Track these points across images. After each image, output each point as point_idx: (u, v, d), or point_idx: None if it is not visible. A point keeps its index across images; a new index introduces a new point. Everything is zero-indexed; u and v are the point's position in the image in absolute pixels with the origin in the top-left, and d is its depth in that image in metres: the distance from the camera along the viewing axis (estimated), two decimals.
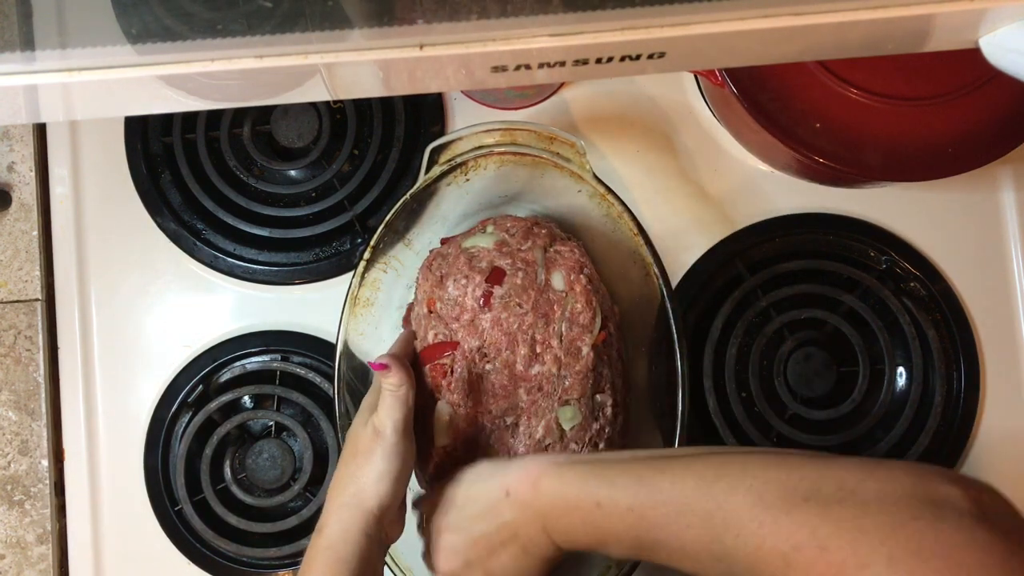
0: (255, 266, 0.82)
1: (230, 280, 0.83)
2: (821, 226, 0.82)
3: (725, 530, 0.48)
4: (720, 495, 0.49)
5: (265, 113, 0.82)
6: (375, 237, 0.71)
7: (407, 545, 0.67)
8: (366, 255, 0.71)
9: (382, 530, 0.59)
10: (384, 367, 0.61)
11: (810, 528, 0.45)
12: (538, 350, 0.66)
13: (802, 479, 0.47)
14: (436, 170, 0.71)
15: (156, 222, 0.83)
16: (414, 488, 0.67)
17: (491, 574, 0.59)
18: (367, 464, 0.59)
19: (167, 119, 0.83)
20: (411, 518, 0.65)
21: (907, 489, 0.45)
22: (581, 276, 0.68)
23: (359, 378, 0.72)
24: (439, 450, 0.67)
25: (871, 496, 0.45)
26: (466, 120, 0.82)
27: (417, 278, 0.73)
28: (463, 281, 0.67)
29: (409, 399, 0.61)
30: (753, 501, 0.47)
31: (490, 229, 0.71)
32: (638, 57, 0.42)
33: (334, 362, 0.70)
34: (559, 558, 0.59)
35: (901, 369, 0.80)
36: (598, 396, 0.68)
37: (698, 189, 0.83)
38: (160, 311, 0.83)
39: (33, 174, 0.83)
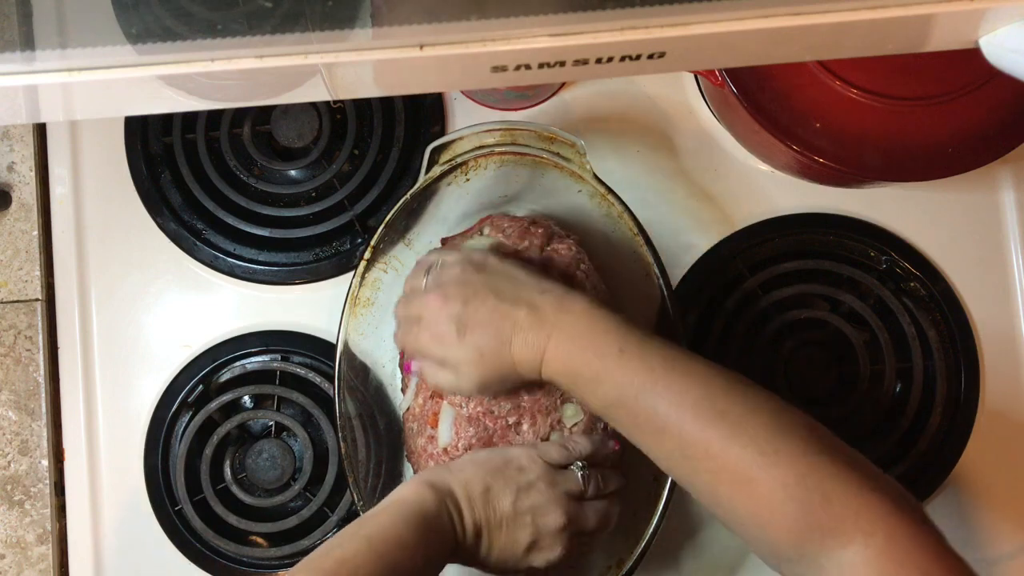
0: (255, 266, 0.82)
1: (230, 280, 0.83)
2: (821, 226, 0.82)
3: (733, 435, 0.51)
4: (745, 409, 0.52)
5: (265, 113, 0.82)
6: (375, 237, 0.71)
7: None
8: (366, 255, 0.71)
9: None
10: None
11: (820, 477, 0.49)
12: None
13: (823, 436, 0.51)
14: (436, 170, 0.71)
15: (156, 222, 0.83)
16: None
17: (466, 337, 0.59)
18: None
19: (167, 119, 0.83)
20: None
21: (903, 491, 0.50)
22: (577, 273, 0.68)
23: (359, 378, 0.72)
24: (442, 452, 0.67)
25: (877, 477, 0.49)
26: (466, 120, 0.82)
27: None
28: None
29: None
30: (777, 429, 0.51)
31: (486, 231, 0.71)
32: (638, 57, 0.42)
33: (334, 362, 0.70)
34: (517, 383, 0.61)
35: (901, 369, 0.80)
36: None
37: (698, 189, 0.83)
38: (160, 311, 0.83)
39: (33, 174, 0.83)
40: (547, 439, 0.66)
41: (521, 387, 0.65)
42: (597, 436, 0.65)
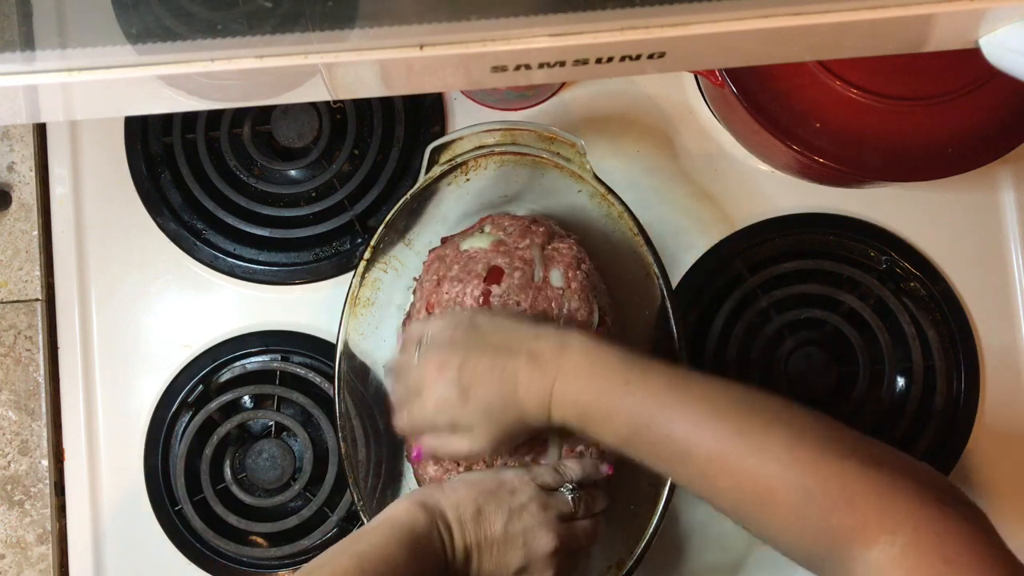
0: (255, 266, 0.82)
1: (230, 280, 0.83)
2: (821, 226, 0.82)
3: (749, 450, 0.51)
4: (758, 420, 0.52)
5: (265, 113, 0.82)
6: (375, 237, 0.71)
7: None
8: (366, 255, 0.71)
9: None
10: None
11: (843, 480, 0.48)
12: None
13: (842, 437, 0.51)
14: (436, 170, 0.71)
15: (156, 222, 0.83)
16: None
17: (470, 397, 0.58)
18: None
19: (167, 119, 0.83)
20: None
21: (931, 476, 0.49)
22: (578, 272, 0.68)
23: (359, 378, 0.72)
24: None
25: (901, 470, 0.48)
26: (466, 120, 0.82)
27: (415, 281, 0.74)
28: (460, 284, 0.67)
29: None
30: (792, 438, 0.50)
31: (487, 229, 0.71)
32: (638, 57, 0.42)
33: (334, 362, 0.70)
34: (528, 433, 0.60)
35: (901, 369, 0.80)
36: None
37: (698, 189, 0.83)
38: (160, 311, 0.83)
39: (33, 174, 0.83)
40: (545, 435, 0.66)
41: (527, 440, 0.64)
42: (588, 461, 0.65)
